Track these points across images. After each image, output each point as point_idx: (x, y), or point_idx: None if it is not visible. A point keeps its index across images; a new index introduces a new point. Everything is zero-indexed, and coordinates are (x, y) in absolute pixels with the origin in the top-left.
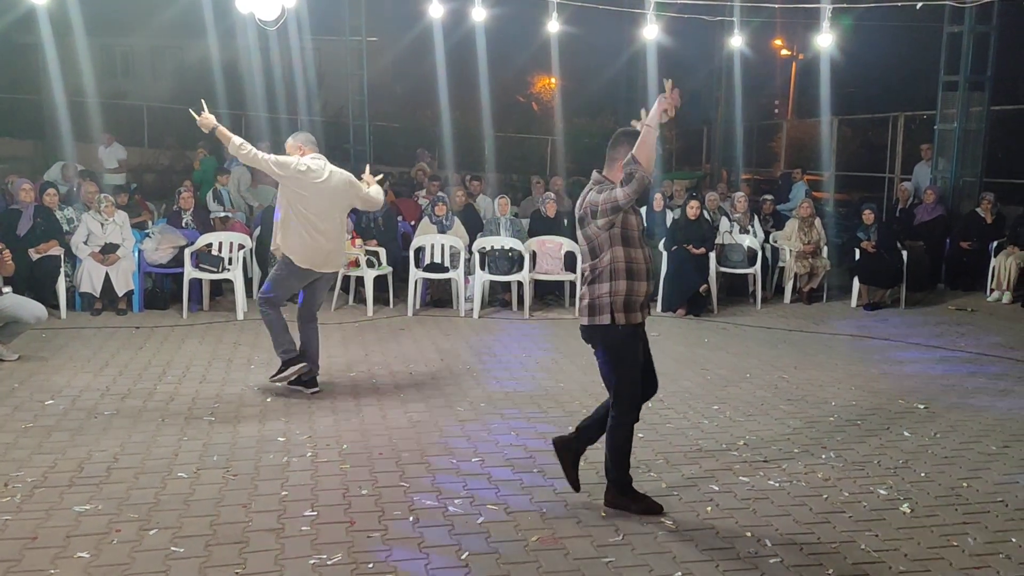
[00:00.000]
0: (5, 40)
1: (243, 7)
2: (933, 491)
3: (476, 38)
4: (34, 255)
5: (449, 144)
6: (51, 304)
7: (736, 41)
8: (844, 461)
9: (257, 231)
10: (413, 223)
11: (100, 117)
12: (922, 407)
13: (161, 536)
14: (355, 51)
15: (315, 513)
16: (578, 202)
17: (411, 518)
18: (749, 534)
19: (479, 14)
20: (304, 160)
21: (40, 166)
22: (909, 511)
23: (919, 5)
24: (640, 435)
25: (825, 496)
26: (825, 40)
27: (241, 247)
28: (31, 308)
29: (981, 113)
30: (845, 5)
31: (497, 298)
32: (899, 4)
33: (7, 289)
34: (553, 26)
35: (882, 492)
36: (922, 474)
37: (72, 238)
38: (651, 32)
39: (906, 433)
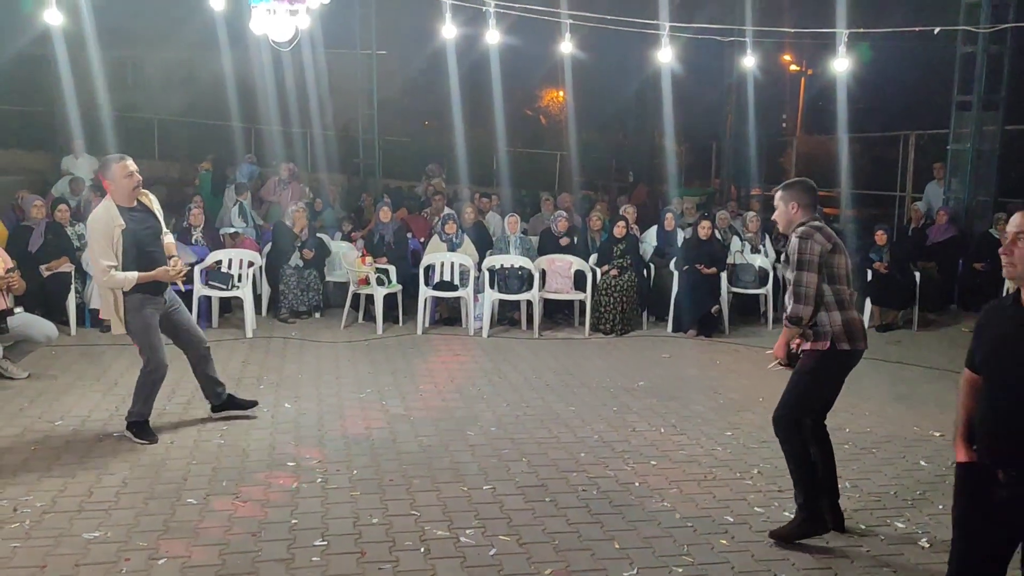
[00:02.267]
0: (18, 53)
1: (257, 29)
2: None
3: (488, 56)
4: (45, 272)
5: (459, 159)
6: (61, 320)
7: (748, 62)
8: (860, 491)
9: (267, 248)
10: (423, 240)
11: (112, 129)
12: (938, 435)
13: (170, 566)
14: (365, 65)
15: (325, 543)
16: (825, 235)
17: (422, 549)
18: (767, 570)
19: (493, 37)
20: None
21: (52, 178)
22: (928, 545)
23: (936, 31)
24: (653, 463)
25: None
26: (842, 65)
27: (251, 264)
28: (41, 327)
29: (995, 133)
30: (861, 30)
31: (506, 316)
32: (916, 29)
33: (18, 309)
34: (566, 46)
35: (900, 525)
36: (940, 506)
37: (83, 255)
38: (665, 55)
39: (923, 463)
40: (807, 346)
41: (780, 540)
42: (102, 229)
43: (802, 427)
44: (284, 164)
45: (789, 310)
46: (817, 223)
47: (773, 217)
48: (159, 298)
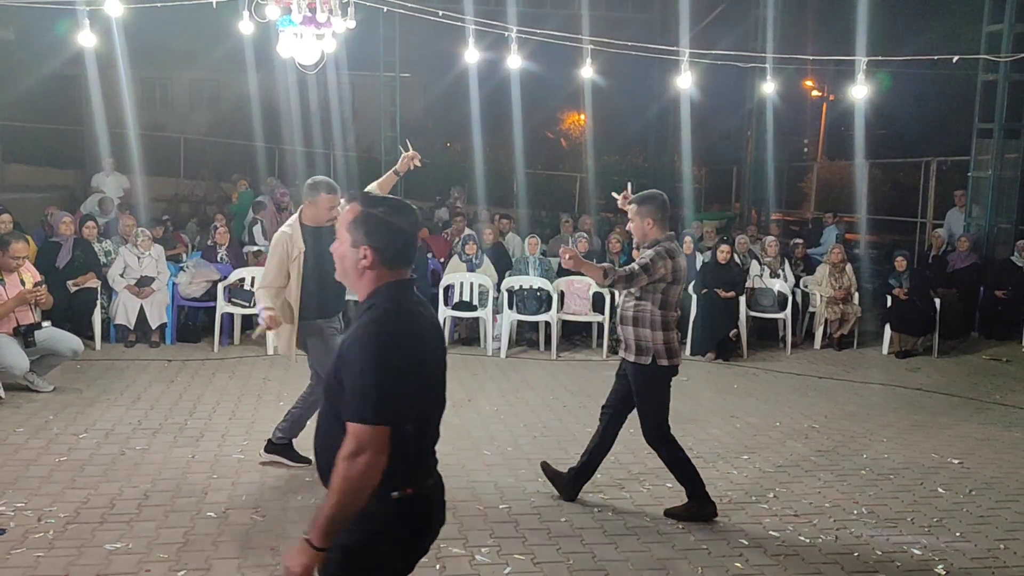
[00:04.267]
0: (50, 72)
1: (284, 52)
2: (969, 552)
3: (510, 79)
4: (72, 287)
5: (480, 180)
6: (87, 335)
7: (769, 87)
8: (877, 518)
9: None
10: (443, 260)
11: (139, 148)
12: (956, 462)
13: None
14: (388, 87)
15: None
16: (674, 265)
17: (438, 566)
18: None
19: (515, 62)
20: None
21: (80, 196)
22: (944, 573)
23: (955, 59)
24: (669, 485)
25: (857, 554)
26: (860, 92)
27: None
28: (68, 341)
29: (1016, 160)
30: (880, 58)
31: (524, 337)
32: (935, 58)
33: (46, 323)
34: (587, 71)
35: (916, 552)
36: (957, 534)
37: (109, 271)
38: (686, 81)
39: (940, 490)
40: (631, 358)
41: (673, 517)
42: (280, 250)
43: (670, 436)
44: (279, 190)
45: (617, 273)
46: (671, 245)
47: (628, 227)
48: (333, 319)
